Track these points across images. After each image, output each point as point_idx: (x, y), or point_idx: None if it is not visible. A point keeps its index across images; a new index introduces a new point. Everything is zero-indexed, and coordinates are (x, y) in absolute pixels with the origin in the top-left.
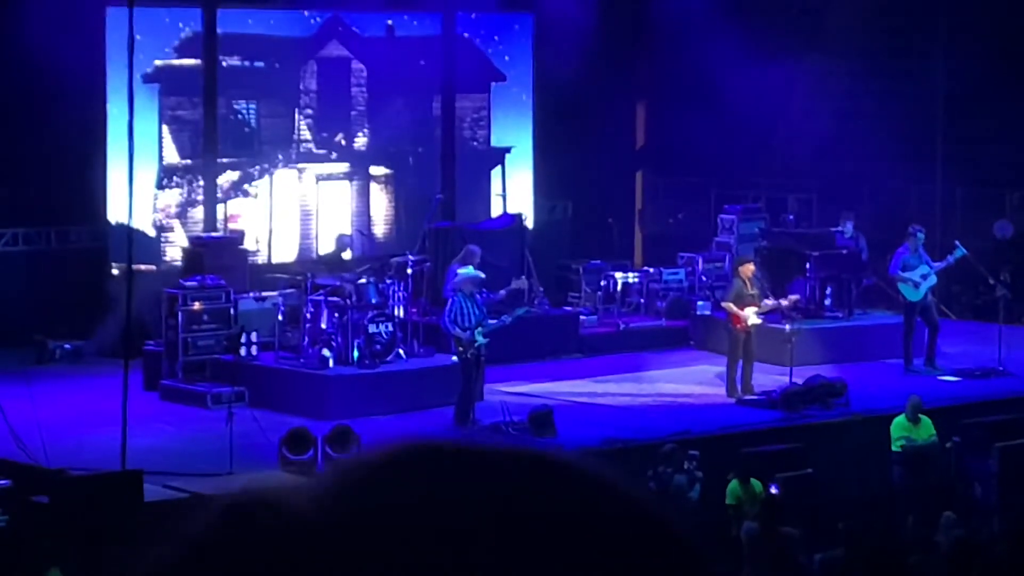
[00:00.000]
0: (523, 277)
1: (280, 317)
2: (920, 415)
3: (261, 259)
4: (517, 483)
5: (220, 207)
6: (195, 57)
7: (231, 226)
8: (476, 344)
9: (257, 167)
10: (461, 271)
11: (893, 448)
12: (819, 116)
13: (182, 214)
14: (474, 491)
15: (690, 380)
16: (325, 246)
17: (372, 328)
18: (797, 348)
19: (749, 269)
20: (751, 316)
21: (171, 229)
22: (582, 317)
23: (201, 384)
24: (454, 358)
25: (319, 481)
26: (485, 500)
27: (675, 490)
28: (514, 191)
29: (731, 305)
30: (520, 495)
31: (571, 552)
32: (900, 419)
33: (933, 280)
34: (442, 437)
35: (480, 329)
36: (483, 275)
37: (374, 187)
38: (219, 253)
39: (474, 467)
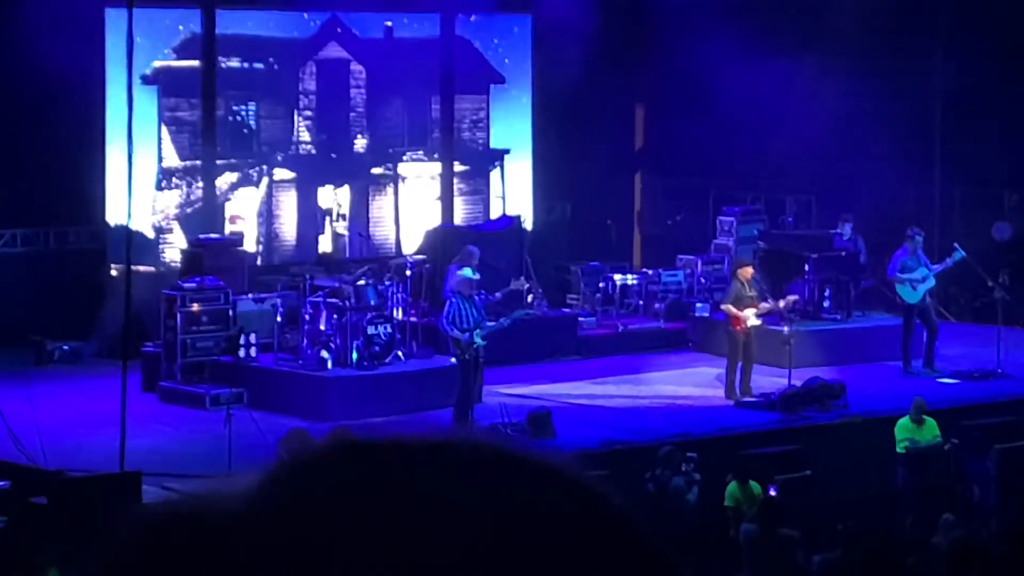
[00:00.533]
0: (522, 278)
1: (279, 319)
2: (924, 417)
3: (261, 259)
4: (450, 477)
5: (219, 208)
6: (194, 58)
7: (230, 227)
8: (475, 346)
9: (256, 168)
10: (459, 273)
11: (897, 449)
12: (818, 117)
13: (181, 215)
14: (401, 487)
15: (688, 382)
16: (323, 246)
17: (371, 330)
18: (796, 350)
19: (748, 271)
20: (750, 318)
21: (170, 230)
22: (581, 319)
23: (200, 385)
24: (452, 360)
25: (251, 482)
26: (414, 496)
27: (673, 492)
28: (513, 193)
29: (731, 307)
30: (455, 489)
31: (505, 551)
32: (904, 421)
33: (931, 282)
34: (373, 434)
35: (479, 331)
36: (478, 276)
37: (372, 189)
38: (218, 254)
39: (401, 462)
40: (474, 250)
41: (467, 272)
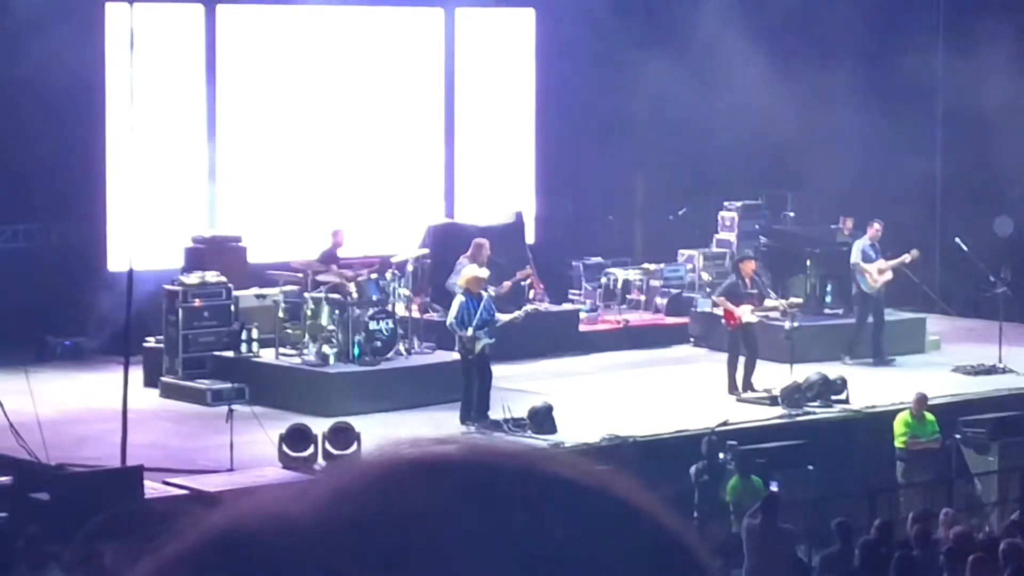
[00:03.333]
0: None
1: (281, 314)
2: (925, 412)
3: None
4: (518, 502)
5: (223, 204)
6: (195, 54)
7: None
8: (482, 344)
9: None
10: (467, 269)
11: (896, 444)
12: (818, 113)
13: (183, 210)
14: (477, 507)
15: (690, 377)
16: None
17: (373, 325)
18: (797, 345)
19: (750, 267)
20: (745, 313)
21: (172, 225)
22: (582, 314)
23: (201, 381)
24: (456, 356)
25: (312, 490)
26: (487, 518)
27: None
28: (515, 188)
29: (724, 300)
30: (517, 514)
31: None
32: (905, 416)
33: (889, 275)
34: (438, 448)
35: (486, 329)
36: (488, 273)
37: (375, 184)
38: (220, 250)
39: (477, 482)
40: (483, 242)
41: (475, 269)
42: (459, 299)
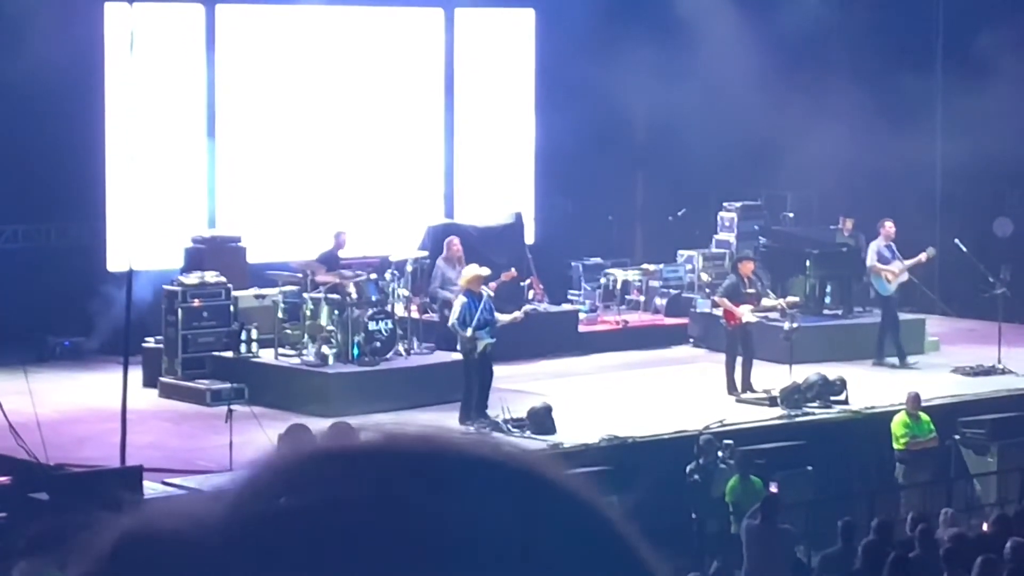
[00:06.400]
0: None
1: (280, 314)
2: (919, 411)
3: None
4: (408, 481)
5: (222, 204)
6: (195, 55)
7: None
8: (484, 343)
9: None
10: (467, 269)
11: (896, 446)
12: (817, 113)
13: (182, 211)
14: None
15: (689, 377)
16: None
17: (372, 325)
18: (796, 345)
19: (748, 267)
20: (746, 313)
21: (172, 225)
22: (582, 314)
23: (201, 381)
24: (456, 356)
25: (226, 488)
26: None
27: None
28: (514, 188)
29: (725, 300)
30: (410, 492)
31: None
32: (903, 417)
33: (905, 276)
34: (364, 441)
35: (487, 328)
36: (488, 271)
37: (374, 184)
38: (219, 250)
39: (387, 469)
40: (453, 239)
41: (475, 268)
42: (461, 299)
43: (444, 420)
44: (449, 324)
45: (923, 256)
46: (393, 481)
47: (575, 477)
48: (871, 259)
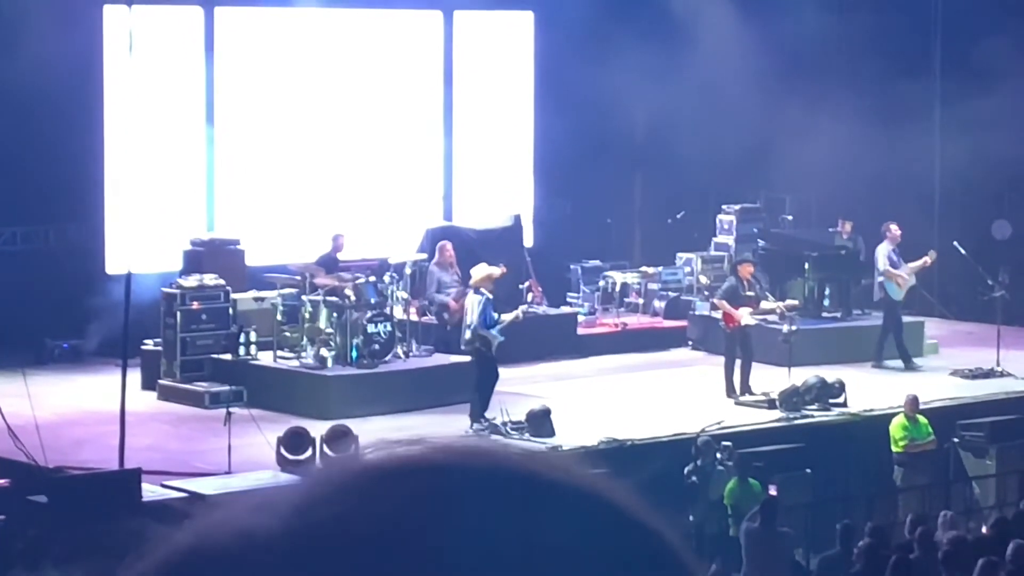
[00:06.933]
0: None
1: (279, 316)
2: (918, 414)
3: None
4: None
5: (221, 206)
6: (194, 57)
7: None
8: (497, 342)
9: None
10: (477, 269)
11: (895, 448)
12: (817, 115)
13: (181, 213)
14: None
15: (688, 380)
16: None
17: (371, 327)
18: (795, 348)
19: (747, 270)
20: (745, 316)
21: (171, 228)
22: (580, 317)
23: (199, 383)
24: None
25: (278, 501)
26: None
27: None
28: (513, 190)
29: (724, 303)
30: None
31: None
32: (901, 420)
33: (913, 280)
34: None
35: (499, 326)
36: (499, 271)
37: (373, 187)
38: (218, 252)
39: (442, 484)
40: (445, 243)
41: (486, 267)
42: (478, 298)
43: (444, 422)
44: (471, 325)
45: (927, 259)
46: (452, 496)
47: (635, 498)
48: (883, 263)
